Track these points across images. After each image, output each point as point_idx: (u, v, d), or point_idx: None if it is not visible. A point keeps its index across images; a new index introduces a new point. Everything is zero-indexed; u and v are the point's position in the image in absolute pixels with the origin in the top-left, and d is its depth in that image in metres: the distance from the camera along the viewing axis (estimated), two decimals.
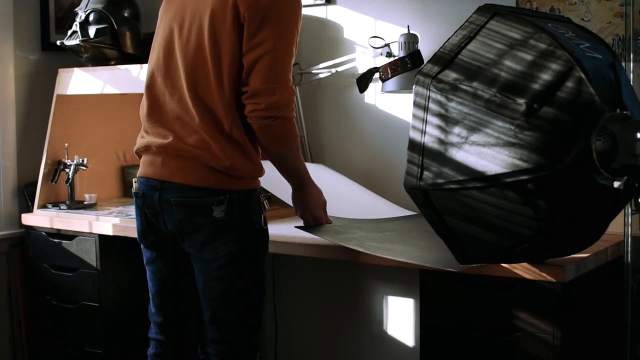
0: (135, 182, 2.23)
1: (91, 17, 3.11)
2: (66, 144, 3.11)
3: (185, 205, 2.10)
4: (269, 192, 2.22)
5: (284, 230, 2.48)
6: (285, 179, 2.26)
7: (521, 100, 1.77)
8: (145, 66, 2.95)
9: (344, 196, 2.75)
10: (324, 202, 2.33)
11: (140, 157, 2.26)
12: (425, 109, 1.91)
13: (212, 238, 2.10)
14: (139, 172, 2.23)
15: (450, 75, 1.89)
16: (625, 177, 1.81)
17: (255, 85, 2.05)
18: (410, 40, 2.78)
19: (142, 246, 2.29)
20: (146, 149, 2.20)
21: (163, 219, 2.15)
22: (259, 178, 2.17)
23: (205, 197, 2.09)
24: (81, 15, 3.12)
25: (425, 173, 1.90)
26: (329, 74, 3.03)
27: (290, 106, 2.10)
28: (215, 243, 2.10)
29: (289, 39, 2.09)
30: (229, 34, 2.07)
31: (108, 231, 2.82)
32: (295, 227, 2.33)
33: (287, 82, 2.08)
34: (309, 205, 2.30)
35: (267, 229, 2.19)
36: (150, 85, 2.22)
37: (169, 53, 2.18)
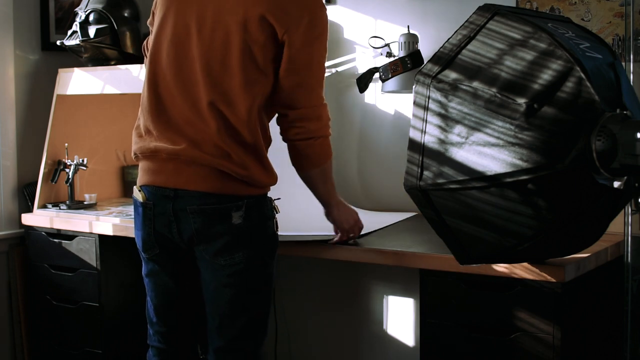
0: (139, 191, 2.11)
1: (91, 17, 3.11)
2: (66, 144, 3.11)
3: (202, 213, 2.03)
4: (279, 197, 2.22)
5: (284, 231, 2.48)
6: (317, 198, 2.26)
7: (521, 100, 1.77)
8: None
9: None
10: (355, 214, 2.34)
11: (139, 160, 2.15)
12: (426, 108, 1.91)
13: (230, 245, 2.04)
14: (144, 180, 2.11)
15: (451, 75, 1.89)
16: (625, 177, 1.81)
17: (300, 108, 2.08)
18: (410, 40, 2.78)
19: (144, 257, 2.18)
20: (153, 154, 2.08)
21: (178, 228, 2.06)
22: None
23: (224, 204, 2.03)
24: (81, 15, 3.12)
25: (426, 173, 1.90)
26: (329, 74, 3.03)
27: (329, 124, 2.14)
28: (233, 250, 2.05)
29: (324, 58, 2.11)
30: (263, 50, 2.02)
31: (108, 231, 2.82)
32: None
33: (323, 100, 2.12)
34: (340, 222, 2.30)
35: (277, 234, 2.15)
36: (156, 82, 2.10)
37: (183, 54, 2.06)
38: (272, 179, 2.11)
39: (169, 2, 2.11)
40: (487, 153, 1.80)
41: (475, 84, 1.84)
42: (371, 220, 2.70)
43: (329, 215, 2.29)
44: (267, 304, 2.15)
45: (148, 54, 2.16)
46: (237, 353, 2.12)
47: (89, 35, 3.09)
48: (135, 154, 2.15)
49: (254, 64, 2.02)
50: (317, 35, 2.06)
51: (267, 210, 2.11)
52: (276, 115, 2.16)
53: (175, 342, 2.23)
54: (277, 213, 2.15)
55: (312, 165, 2.16)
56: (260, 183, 2.07)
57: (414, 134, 1.93)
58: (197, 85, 2.04)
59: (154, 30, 2.15)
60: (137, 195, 2.12)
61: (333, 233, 2.34)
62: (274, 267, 2.15)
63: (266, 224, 2.10)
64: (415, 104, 1.94)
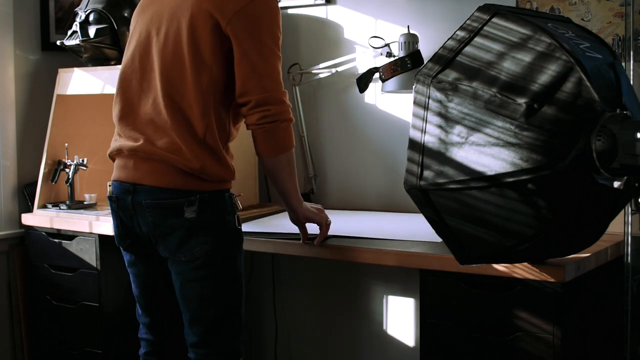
0: (109, 185, 2.24)
1: (91, 17, 3.11)
2: (66, 144, 3.11)
3: (157, 208, 2.11)
4: (241, 193, 2.24)
5: (285, 229, 2.48)
6: (282, 194, 2.21)
7: (521, 100, 1.77)
8: None
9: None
10: (318, 209, 2.32)
11: (113, 160, 2.27)
12: (426, 107, 1.91)
13: (186, 239, 2.10)
14: (113, 176, 2.24)
15: (451, 75, 1.89)
16: (625, 177, 1.81)
17: (259, 94, 2.08)
18: (410, 40, 2.77)
19: (121, 249, 2.30)
20: (118, 152, 2.21)
21: (137, 221, 2.16)
22: (231, 182, 2.18)
23: (176, 199, 2.09)
24: (81, 15, 3.12)
25: (426, 172, 1.90)
26: (329, 74, 3.03)
27: (290, 111, 2.15)
28: (190, 244, 2.10)
29: (277, 44, 2.12)
30: (210, 43, 2.08)
31: (108, 231, 2.82)
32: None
33: (282, 87, 2.13)
34: (316, 217, 2.28)
35: (240, 229, 2.19)
36: (124, 87, 2.22)
37: (146, 56, 2.17)
38: (228, 173, 2.15)
39: (137, 16, 2.26)
40: (487, 153, 1.80)
41: (476, 84, 1.84)
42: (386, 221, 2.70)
43: (298, 212, 2.25)
44: (237, 298, 2.18)
45: (121, 65, 2.26)
46: (212, 347, 2.16)
47: (89, 35, 3.09)
48: (108, 155, 2.28)
49: (200, 57, 2.08)
50: (263, 23, 2.09)
51: (224, 205, 2.14)
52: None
53: (162, 332, 2.31)
54: (238, 209, 2.18)
55: (279, 150, 2.13)
56: (215, 177, 2.11)
57: (414, 134, 1.93)
58: (156, 84, 2.13)
59: (127, 43, 2.28)
60: (108, 190, 2.28)
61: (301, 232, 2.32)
62: (240, 262, 2.19)
63: (225, 219, 2.14)
64: (416, 103, 1.94)
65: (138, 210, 2.15)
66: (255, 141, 2.14)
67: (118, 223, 2.23)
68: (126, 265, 2.32)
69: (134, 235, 2.21)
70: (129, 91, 2.20)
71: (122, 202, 2.18)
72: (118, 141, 2.22)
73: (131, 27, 2.28)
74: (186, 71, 2.09)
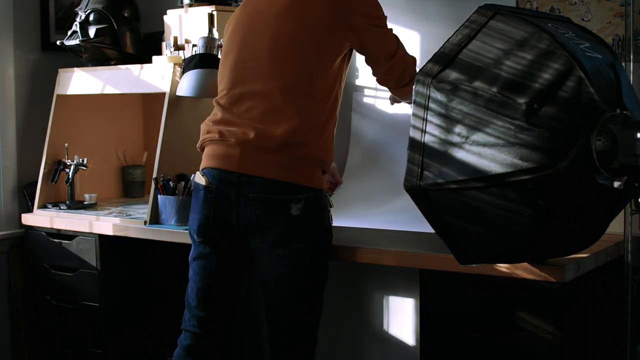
0: (202, 175, 2.18)
1: (91, 17, 3.11)
2: (66, 144, 3.11)
3: (264, 202, 2.11)
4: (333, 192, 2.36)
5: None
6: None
7: (521, 100, 1.77)
8: (147, 66, 2.96)
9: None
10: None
11: (205, 145, 2.22)
12: (426, 108, 1.91)
13: (287, 235, 2.12)
14: (208, 163, 2.18)
15: (451, 75, 1.89)
16: (625, 177, 1.81)
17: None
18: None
19: (195, 240, 2.24)
20: (222, 139, 2.16)
21: (236, 213, 2.14)
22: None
23: (285, 194, 2.10)
24: (81, 15, 3.12)
25: (426, 173, 1.90)
26: None
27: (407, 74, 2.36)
28: (290, 241, 2.12)
29: (383, 41, 2.29)
30: (332, 33, 2.15)
31: (108, 231, 2.82)
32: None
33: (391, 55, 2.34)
34: None
35: (331, 227, 2.23)
36: (236, 71, 2.18)
37: (256, 42, 2.17)
38: (329, 155, 2.21)
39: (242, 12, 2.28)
40: (487, 153, 1.80)
41: (476, 84, 1.84)
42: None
43: None
44: (321, 292, 2.24)
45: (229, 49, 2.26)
46: (293, 337, 2.22)
47: (89, 35, 3.09)
48: (203, 140, 2.23)
49: (327, 48, 2.16)
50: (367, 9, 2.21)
51: (322, 203, 2.18)
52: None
53: (211, 327, 2.29)
54: (331, 207, 2.24)
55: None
56: (318, 156, 2.15)
57: (414, 134, 1.94)
58: (276, 73, 2.14)
59: (231, 34, 2.28)
60: (200, 179, 2.19)
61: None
62: (329, 258, 2.23)
63: (322, 216, 2.18)
64: (416, 103, 1.94)
65: (241, 203, 2.12)
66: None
67: (208, 214, 2.17)
68: (193, 256, 2.27)
69: (223, 227, 2.17)
70: (243, 76, 2.18)
71: (221, 192, 2.14)
72: (221, 126, 2.17)
73: (241, 9, 2.28)
74: (310, 62, 2.14)
